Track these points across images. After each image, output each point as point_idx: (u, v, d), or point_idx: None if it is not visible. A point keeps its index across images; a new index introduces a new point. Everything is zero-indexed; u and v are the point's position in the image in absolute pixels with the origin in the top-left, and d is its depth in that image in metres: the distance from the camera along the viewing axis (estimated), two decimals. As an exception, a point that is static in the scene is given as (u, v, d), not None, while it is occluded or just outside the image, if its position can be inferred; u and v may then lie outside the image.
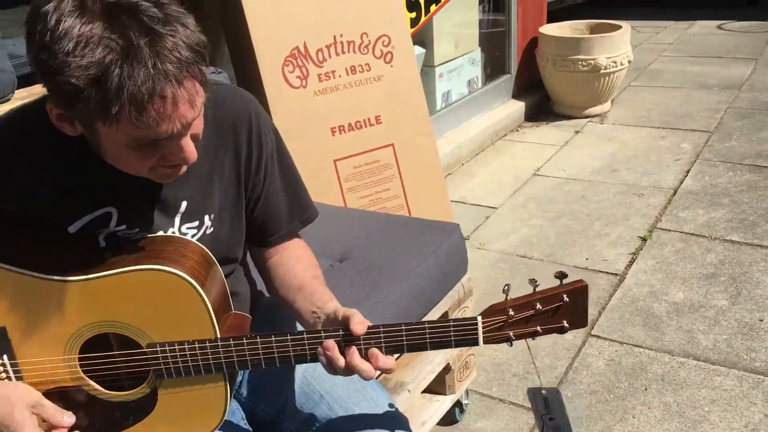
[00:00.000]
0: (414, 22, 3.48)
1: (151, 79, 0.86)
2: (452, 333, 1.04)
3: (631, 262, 2.82)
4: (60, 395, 1.07)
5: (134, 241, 1.09)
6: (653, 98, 4.79)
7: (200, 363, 1.04)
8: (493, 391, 2.17)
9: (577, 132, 4.30)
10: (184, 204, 1.13)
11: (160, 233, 1.11)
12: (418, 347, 1.05)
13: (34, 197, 1.05)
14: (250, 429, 1.24)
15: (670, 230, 3.04)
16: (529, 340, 1.08)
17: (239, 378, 1.28)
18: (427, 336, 1.04)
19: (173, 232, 1.13)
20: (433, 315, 1.78)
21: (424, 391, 1.89)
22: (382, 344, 1.04)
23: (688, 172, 3.61)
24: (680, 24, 6.88)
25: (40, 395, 1.05)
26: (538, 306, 1.05)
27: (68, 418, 1.05)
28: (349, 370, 1.03)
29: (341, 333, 1.03)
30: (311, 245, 1.33)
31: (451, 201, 3.46)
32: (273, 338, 1.04)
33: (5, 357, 1.06)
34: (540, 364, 2.27)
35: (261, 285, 1.35)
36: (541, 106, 4.70)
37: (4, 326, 1.04)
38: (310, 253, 1.31)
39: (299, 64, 2.34)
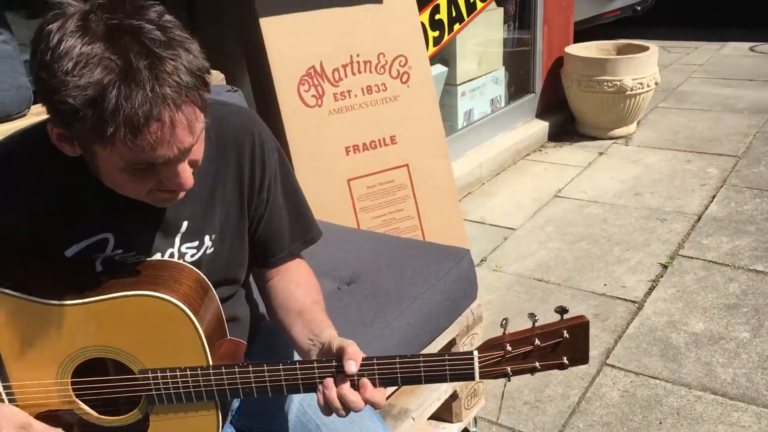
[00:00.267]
0: (437, 41, 3.47)
1: (148, 102, 0.85)
2: (447, 367, 1.03)
3: (651, 289, 2.76)
4: (52, 418, 1.06)
5: (130, 265, 1.09)
6: (681, 120, 4.71)
7: (192, 390, 1.03)
8: (503, 420, 2.13)
9: (601, 153, 4.25)
10: (185, 224, 1.12)
11: (158, 255, 1.11)
12: (413, 380, 1.04)
13: (33, 221, 1.05)
14: (244, 456, 1.23)
15: (692, 258, 2.97)
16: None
17: (235, 403, 1.27)
18: (422, 370, 1.03)
19: (172, 253, 1.12)
20: (441, 342, 1.75)
21: (431, 418, 1.86)
22: (376, 377, 1.02)
23: (713, 197, 3.53)
24: (711, 45, 6.77)
25: (28, 416, 1.05)
26: (537, 342, 1.03)
27: (57, 439, 1.04)
28: (344, 406, 1.01)
29: (334, 365, 1.02)
30: (320, 266, 1.31)
31: (470, 221, 3.44)
32: (265, 367, 1.03)
33: (-2, 379, 1.06)
34: (552, 392, 2.22)
35: (263, 308, 1.34)
36: (565, 126, 4.65)
37: (-3, 348, 1.04)
38: (313, 276, 1.29)
39: (315, 83, 2.35)
